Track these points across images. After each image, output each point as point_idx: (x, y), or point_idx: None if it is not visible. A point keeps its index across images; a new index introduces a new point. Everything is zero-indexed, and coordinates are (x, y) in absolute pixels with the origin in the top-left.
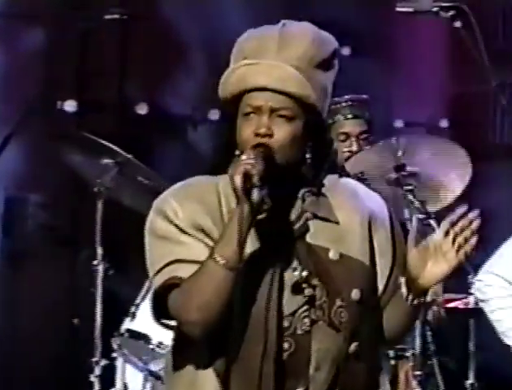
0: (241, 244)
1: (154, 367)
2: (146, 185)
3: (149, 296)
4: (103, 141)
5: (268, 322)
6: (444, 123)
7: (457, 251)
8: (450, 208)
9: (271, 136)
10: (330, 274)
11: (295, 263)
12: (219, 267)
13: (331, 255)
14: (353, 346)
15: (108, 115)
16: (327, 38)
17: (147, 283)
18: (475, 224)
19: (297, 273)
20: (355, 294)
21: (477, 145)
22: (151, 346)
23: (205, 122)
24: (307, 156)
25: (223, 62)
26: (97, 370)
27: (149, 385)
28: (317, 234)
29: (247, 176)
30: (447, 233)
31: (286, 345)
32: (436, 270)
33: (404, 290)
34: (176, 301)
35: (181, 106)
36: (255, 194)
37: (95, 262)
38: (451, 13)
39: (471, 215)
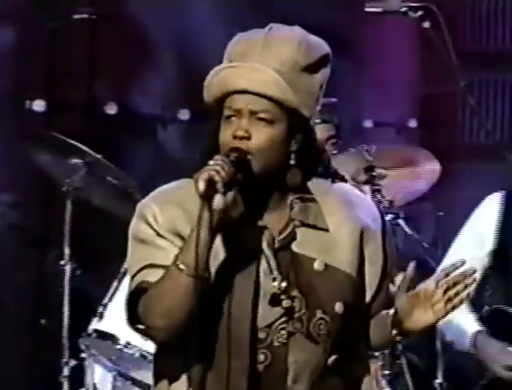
0: (202, 251)
1: (122, 368)
2: (115, 185)
3: (117, 296)
4: (72, 141)
5: (242, 333)
6: (413, 123)
7: (446, 303)
8: (419, 207)
9: (249, 138)
10: (312, 285)
11: (275, 273)
12: (180, 274)
13: (316, 266)
14: (332, 359)
15: (77, 115)
16: (315, 43)
17: (115, 283)
18: (470, 280)
19: (275, 284)
20: (338, 307)
21: (445, 145)
22: (119, 346)
23: (174, 122)
24: (291, 161)
25: (193, 61)
26: (66, 371)
27: (118, 385)
28: (304, 243)
29: (210, 182)
30: (442, 281)
31: (262, 357)
32: (421, 319)
33: (389, 323)
34: (143, 306)
35: (151, 106)
36: (216, 200)
37: (62, 262)
38: (420, 13)
39: (467, 270)
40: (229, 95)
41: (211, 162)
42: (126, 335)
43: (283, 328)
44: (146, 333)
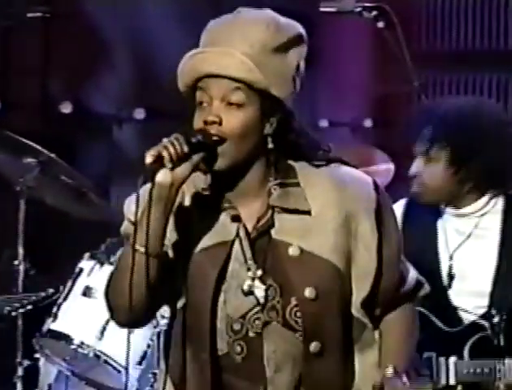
0: (153, 227)
1: (77, 368)
2: (69, 184)
3: (71, 296)
4: (25, 140)
5: (202, 325)
6: (368, 123)
7: None
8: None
9: (220, 124)
10: (286, 271)
11: (250, 263)
12: (133, 252)
13: (291, 251)
14: (313, 345)
15: (32, 114)
16: (285, 23)
17: (69, 283)
18: None
19: (250, 273)
20: (309, 292)
21: (400, 145)
22: (73, 346)
23: (130, 121)
24: (269, 145)
25: (148, 60)
26: (20, 371)
27: (72, 385)
28: (283, 228)
29: (158, 157)
30: None
31: (238, 349)
32: None
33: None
34: (107, 287)
35: (106, 105)
36: (160, 174)
37: (16, 262)
38: (374, 13)
39: None
40: (200, 81)
41: (164, 140)
42: (80, 335)
43: (257, 318)
44: (112, 316)
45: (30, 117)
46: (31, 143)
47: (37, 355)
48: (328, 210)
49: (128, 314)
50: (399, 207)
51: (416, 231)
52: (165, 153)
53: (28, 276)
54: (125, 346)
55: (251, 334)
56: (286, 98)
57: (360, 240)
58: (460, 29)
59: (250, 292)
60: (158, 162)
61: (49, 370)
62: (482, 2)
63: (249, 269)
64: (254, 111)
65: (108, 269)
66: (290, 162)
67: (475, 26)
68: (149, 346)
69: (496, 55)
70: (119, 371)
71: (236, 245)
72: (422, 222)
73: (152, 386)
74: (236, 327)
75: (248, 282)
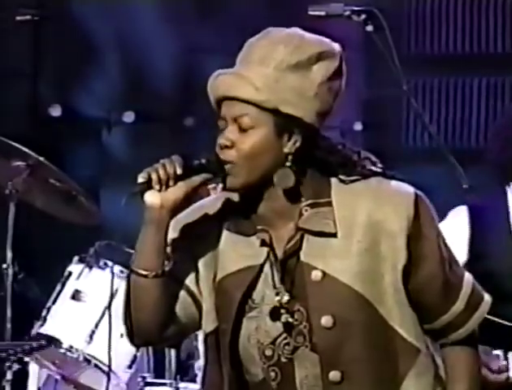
0: (147, 249)
1: (66, 371)
2: (58, 188)
3: (60, 299)
4: (14, 143)
5: (224, 349)
6: (358, 126)
7: None
8: None
9: (231, 147)
10: (309, 296)
11: (278, 286)
12: (132, 274)
13: (313, 275)
14: (332, 374)
15: (21, 117)
16: (308, 41)
17: (58, 287)
18: None
19: (277, 298)
20: (325, 321)
21: (390, 148)
22: (62, 350)
23: (119, 124)
24: (287, 163)
25: (138, 63)
26: (9, 375)
27: (61, 389)
28: (310, 250)
29: (149, 179)
30: None
31: (273, 375)
32: None
33: None
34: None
35: (95, 108)
36: (147, 196)
37: (5, 266)
38: (363, 17)
39: None
40: (221, 102)
41: (161, 160)
42: (69, 338)
43: (287, 343)
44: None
45: (19, 120)
46: (20, 146)
47: (26, 359)
48: (356, 232)
49: (135, 335)
50: (462, 213)
51: (489, 228)
52: (153, 175)
53: (17, 280)
54: (115, 349)
55: (283, 359)
56: (306, 116)
57: (388, 260)
58: (449, 33)
59: (277, 318)
60: (148, 183)
61: (38, 374)
62: (471, 5)
63: (277, 293)
64: (267, 131)
65: (97, 272)
66: (326, 178)
67: (464, 30)
68: (138, 350)
69: (485, 58)
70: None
71: (266, 269)
72: (491, 219)
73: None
74: (268, 353)
75: (275, 307)
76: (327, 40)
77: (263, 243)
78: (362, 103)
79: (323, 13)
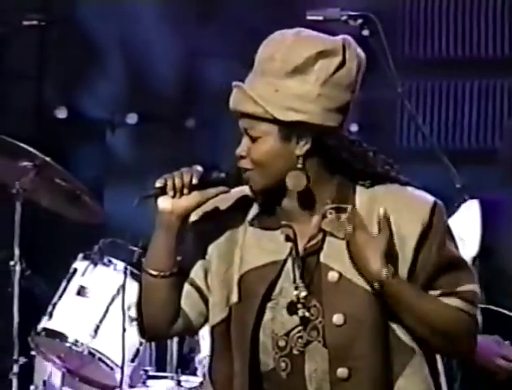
0: (157, 250)
1: (71, 365)
2: (64, 187)
3: (66, 295)
4: (21, 144)
5: (244, 339)
6: (353, 128)
7: None
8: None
9: (246, 156)
10: (323, 294)
11: (298, 282)
12: (144, 273)
13: (330, 276)
14: (339, 371)
15: (28, 119)
16: (302, 43)
17: (64, 283)
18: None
19: (296, 293)
20: (337, 318)
21: (385, 149)
22: (68, 344)
23: (122, 125)
24: (298, 165)
25: (141, 66)
26: (16, 368)
27: (67, 383)
28: (330, 252)
29: (165, 184)
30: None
31: (283, 365)
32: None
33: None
34: None
35: (100, 110)
36: (159, 201)
37: (12, 263)
38: (359, 22)
39: None
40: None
41: (182, 169)
42: (74, 333)
43: (300, 337)
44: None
45: (26, 121)
46: (27, 146)
47: (33, 353)
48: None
49: (147, 332)
50: (473, 206)
51: (501, 223)
52: (169, 182)
53: (24, 276)
54: (119, 344)
55: (295, 351)
56: (310, 118)
57: (396, 262)
58: (442, 37)
59: (294, 311)
60: (163, 188)
61: (44, 368)
62: (463, 10)
63: (296, 288)
64: (273, 139)
65: (101, 269)
66: (352, 184)
67: (457, 33)
68: (141, 344)
69: (477, 62)
70: (112, 368)
71: (288, 264)
72: (503, 215)
73: (144, 383)
74: (281, 343)
75: (292, 301)
76: (325, 37)
77: (288, 238)
78: (358, 105)
79: (320, 18)
